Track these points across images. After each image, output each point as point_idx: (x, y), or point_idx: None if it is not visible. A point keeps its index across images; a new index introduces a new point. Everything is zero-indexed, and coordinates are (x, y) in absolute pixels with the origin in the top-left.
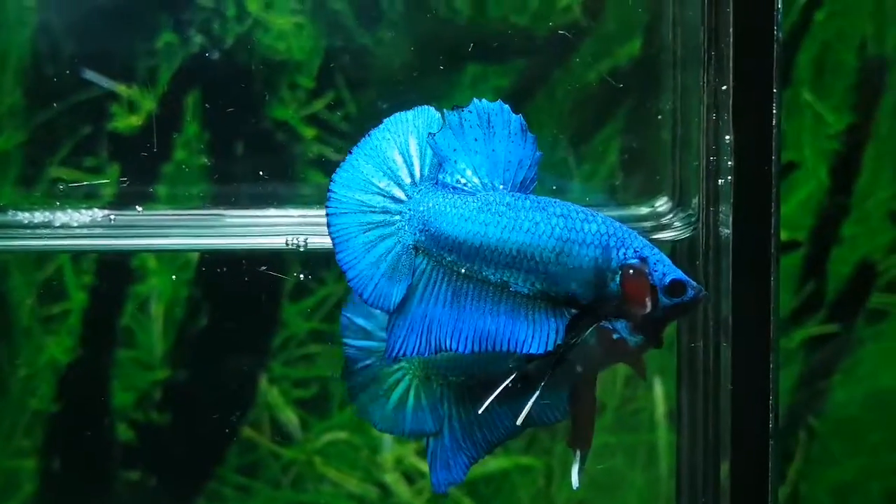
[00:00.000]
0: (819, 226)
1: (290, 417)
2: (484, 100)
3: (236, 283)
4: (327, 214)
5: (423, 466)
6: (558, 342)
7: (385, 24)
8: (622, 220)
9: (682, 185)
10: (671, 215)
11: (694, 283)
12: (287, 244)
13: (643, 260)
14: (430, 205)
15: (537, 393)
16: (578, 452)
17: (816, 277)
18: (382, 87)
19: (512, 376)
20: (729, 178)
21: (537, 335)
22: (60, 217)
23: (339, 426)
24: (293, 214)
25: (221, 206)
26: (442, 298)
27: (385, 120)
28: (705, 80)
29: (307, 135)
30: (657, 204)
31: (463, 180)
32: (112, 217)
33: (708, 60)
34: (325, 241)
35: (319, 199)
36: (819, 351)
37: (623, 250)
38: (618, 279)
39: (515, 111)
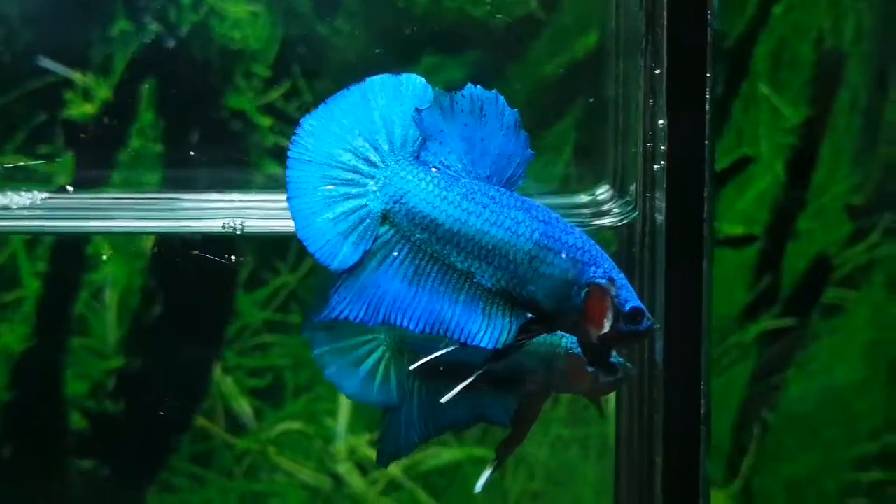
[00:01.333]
0: (775, 220)
1: (244, 407)
2: (479, 86)
3: (191, 272)
4: (288, 158)
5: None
6: (508, 342)
7: (342, 14)
8: (564, 208)
9: (623, 173)
10: (611, 203)
11: (650, 316)
12: (223, 227)
13: (611, 281)
14: (410, 178)
15: (469, 380)
16: (498, 459)
17: (772, 271)
18: (338, 76)
19: (478, 372)
20: (663, 162)
21: (489, 330)
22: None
23: (293, 416)
24: (247, 199)
25: (175, 191)
26: (401, 273)
27: (368, 78)
28: (643, 65)
29: (263, 124)
30: (598, 192)
31: (445, 163)
32: (70, 188)
33: (645, 45)
34: (263, 226)
35: (272, 186)
36: (774, 345)
37: (594, 268)
38: (583, 295)
39: None
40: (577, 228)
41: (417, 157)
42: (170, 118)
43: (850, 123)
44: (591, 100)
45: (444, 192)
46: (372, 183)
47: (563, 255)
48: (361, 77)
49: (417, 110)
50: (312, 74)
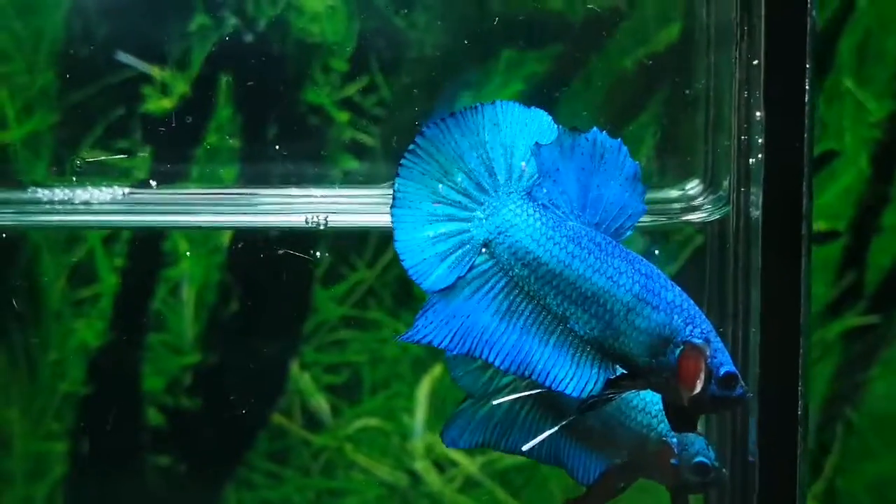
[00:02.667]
0: (859, 215)
1: (321, 403)
2: (605, 133)
3: (268, 267)
4: (401, 165)
5: (454, 454)
6: (594, 393)
7: (419, 8)
8: (652, 203)
9: (713, 167)
10: (702, 198)
11: (744, 383)
12: (307, 222)
13: (707, 342)
14: (519, 211)
15: (552, 430)
16: None
17: (856, 268)
18: (416, 71)
19: (563, 423)
20: (760, 156)
21: (576, 379)
22: (81, 195)
23: (370, 412)
24: (326, 194)
25: (252, 186)
26: (494, 307)
27: (498, 102)
28: (737, 57)
29: (340, 119)
30: (688, 186)
31: (556, 202)
32: (153, 182)
33: (741, 36)
34: (345, 220)
35: (350, 181)
36: (858, 342)
37: (692, 328)
38: (678, 353)
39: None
40: (678, 287)
41: (529, 193)
42: (247, 113)
43: None
44: (687, 91)
45: (551, 232)
46: (479, 210)
47: (662, 312)
48: (439, 73)
49: (537, 145)
50: (390, 69)
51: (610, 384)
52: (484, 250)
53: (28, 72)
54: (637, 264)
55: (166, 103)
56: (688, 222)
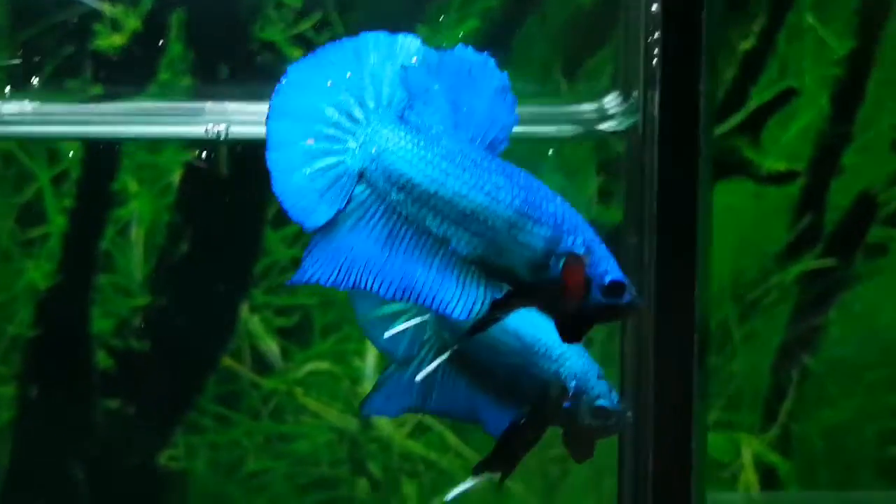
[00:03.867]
0: (819, 155)
1: (271, 346)
2: (470, 47)
3: (218, 208)
4: (270, 107)
5: None
6: (481, 315)
7: None
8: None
9: (628, 79)
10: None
11: (634, 290)
12: (206, 132)
13: (589, 251)
14: (390, 136)
15: (443, 357)
16: (474, 474)
17: (815, 209)
18: (370, 7)
19: (453, 348)
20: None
21: (462, 300)
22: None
23: (320, 356)
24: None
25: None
26: (375, 235)
27: (363, 34)
28: None
29: (294, 56)
30: (606, 100)
31: (429, 123)
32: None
33: None
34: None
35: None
36: (815, 286)
37: (573, 237)
38: (560, 264)
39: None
40: (560, 197)
41: (401, 117)
42: (199, 50)
43: None
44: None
45: (423, 152)
46: (352, 140)
47: (543, 224)
48: (393, 9)
49: (404, 67)
50: (344, 6)
51: (497, 304)
52: (360, 180)
53: None
54: (516, 177)
55: (117, 39)
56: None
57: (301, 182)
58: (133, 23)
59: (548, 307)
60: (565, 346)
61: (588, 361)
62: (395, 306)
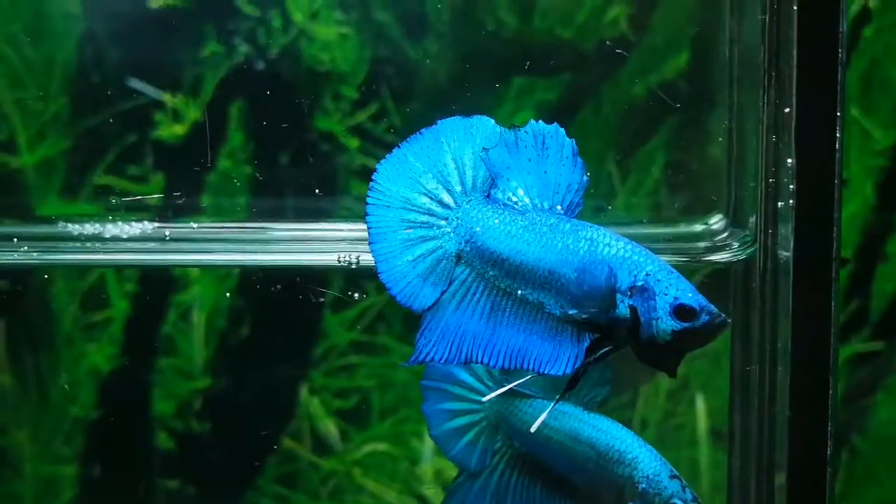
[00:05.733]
0: (865, 243)
1: (330, 428)
2: (541, 121)
3: (278, 293)
4: (367, 204)
5: None
6: (577, 366)
7: (431, 36)
8: (675, 237)
9: (737, 205)
10: (725, 234)
11: (711, 309)
12: (339, 261)
13: (650, 281)
14: (479, 217)
15: (553, 404)
16: None
17: (861, 294)
18: (427, 98)
19: (558, 397)
20: (791, 201)
21: (561, 358)
22: (111, 229)
23: (379, 437)
24: (340, 229)
25: (267, 218)
26: (479, 311)
27: (440, 122)
28: (765, 101)
29: (351, 145)
30: (711, 221)
31: (514, 198)
32: (167, 234)
33: (768, 81)
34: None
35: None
36: (863, 368)
37: (635, 272)
38: (627, 302)
39: (561, 125)
40: (624, 239)
41: (488, 196)
42: (259, 139)
43: None
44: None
45: (509, 227)
46: (445, 224)
47: (606, 267)
48: (450, 100)
49: (485, 150)
50: (400, 96)
51: (587, 352)
52: (459, 261)
53: (41, 98)
54: (584, 231)
55: (178, 129)
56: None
57: (404, 268)
58: (194, 113)
59: (628, 343)
60: (638, 450)
61: (661, 463)
62: (465, 419)
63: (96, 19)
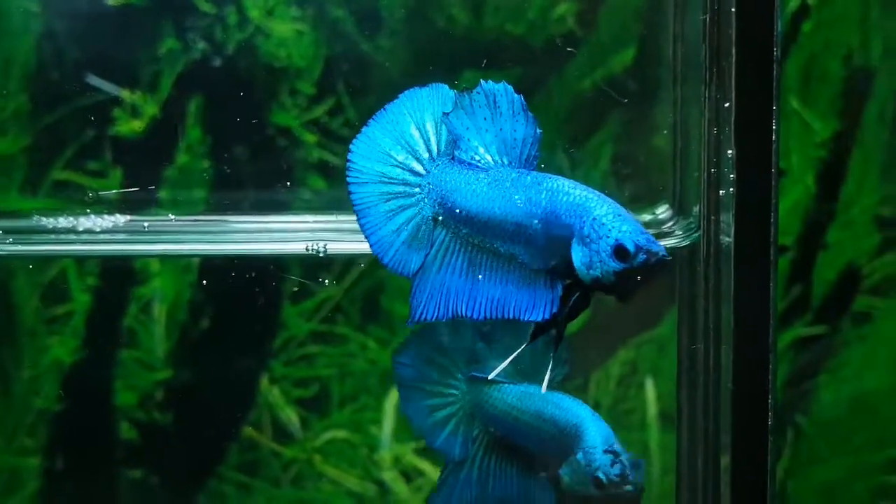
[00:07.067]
0: (806, 231)
1: (291, 416)
2: (490, 81)
3: (238, 285)
4: (349, 183)
5: (421, 464)
6: (554, 311)
7: (384, 32)
8: None
9: (682, 194)
10: (672, 223)
11: (650, 248)
12: (307, 250)
13: (595, 226)
14: (447, 179)
15: (518, 351)
16: None
17: (803, 281)
18: (381, 93)
19: (525, 344)
20: (731, 189)
21: (538, 304)
22: (84, 222)
23: (339, 425)
24: (301, 220)
25: (224, 211)
26: (459, 268)
27: (401, 95)
28: (707, 96)
29: (308, 140)
30: (658, 211)
31: (477, 157)
32: (146, 224)
33: (710, 77)
34: (343, 248)
35: (322, 203)
36: (806, 352)
37: (584, 217)
38: (576, 247)
39: None
40: (582, 187)
41: (453, 158)
42: (216, 134)
43: (878, 136)
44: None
45: (474, 186)
46: (419, 191)
47: (565, 216)
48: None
49: (444, 114)
50: (356, 91)
51: (562, 300)
52: (436, 224)
53: (1, 95)
54: (546, 183)
55: (137, 125)
56: None
57: (390, 238)
58: (152, 109)
59: (594, 288)
60: (587, 423)
61: (603, 438)
62: (443, 412)
63: (55, 17)
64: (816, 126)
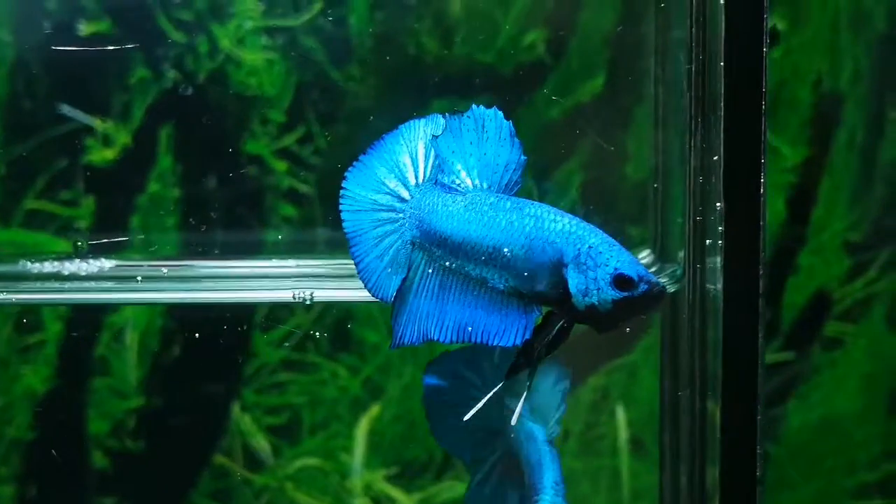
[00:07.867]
0: (775, 256)
1: (262, 444)
2: (481, 105)
3: (209, 315)
4: (342, 211)
5: (392, 492)
6: (526, 338)
7: (354, 61)
8: None
9: (663, 240)
10: (654, 269)
11: (650, 279)
12: (294, 298)
13: (591, 254)
14: (426, 202)
15: (499, 387)
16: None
17: (773, 306)
18: (351, 121)
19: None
20: (719, 242)
21: (508, 330)
22: (69, 266)
23: (310, 452)
24: (268, 265)
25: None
26: (430, 291)
27: (400, 126)
28: (692, 144)
29: (278, 168)
30: (640, 256)
31: (458, 181)
32: (139, 278)
33: (695, 126)
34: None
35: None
36: (775, 378)
37: (579, 245)
38: (571, 274)
39: None
40: (568, 215)
41: (436, 182)
42: (187, 162)
43: (848, 162)
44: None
45: (450, 208)
46: (402, 216)
47: (552, 243)
48: (374, 122)
49: (433, 136)
50: (326, 119)
51: (540, 327)
52: (414, 247)
53: None
54: (527, 209)
55: (109, 154)
56: None
57: (374, 264)
58: (124, 138)
59: (578, 320)
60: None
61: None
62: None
63: (26, 46)
64: (786, 151)
